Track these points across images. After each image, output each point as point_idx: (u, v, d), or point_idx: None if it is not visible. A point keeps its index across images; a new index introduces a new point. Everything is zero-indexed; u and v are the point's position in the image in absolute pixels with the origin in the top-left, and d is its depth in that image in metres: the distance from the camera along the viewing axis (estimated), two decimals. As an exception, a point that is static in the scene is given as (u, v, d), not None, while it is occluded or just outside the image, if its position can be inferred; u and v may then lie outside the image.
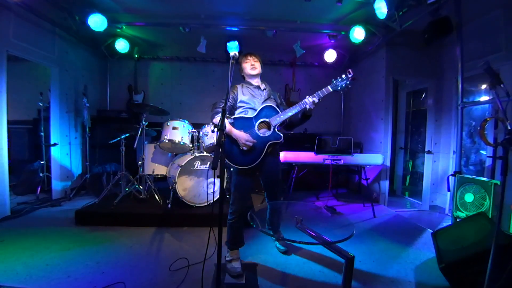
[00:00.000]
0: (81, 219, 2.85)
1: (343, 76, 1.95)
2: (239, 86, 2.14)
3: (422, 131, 4.19)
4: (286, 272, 2.02)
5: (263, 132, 2.00)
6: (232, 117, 2.00)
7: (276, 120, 1.98)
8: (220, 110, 1.94)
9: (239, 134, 1.90)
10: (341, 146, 3.78)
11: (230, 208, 2.03)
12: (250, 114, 2.04)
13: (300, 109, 1.97)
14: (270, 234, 2.31)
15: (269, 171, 2.11)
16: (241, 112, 2.05)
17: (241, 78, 2.26)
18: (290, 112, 1.97)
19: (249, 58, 2.16)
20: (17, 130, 4.31)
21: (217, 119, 1.91)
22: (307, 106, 1.93)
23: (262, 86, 2.19)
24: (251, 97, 2.09)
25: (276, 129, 1.99)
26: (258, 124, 1.99)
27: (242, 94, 2.09)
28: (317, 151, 3.40)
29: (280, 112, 2.01)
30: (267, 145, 1.97)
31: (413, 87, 4.46)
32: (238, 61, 2.14)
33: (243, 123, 1.98)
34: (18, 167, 3.90)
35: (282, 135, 2.00)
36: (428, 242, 2.47)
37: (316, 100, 1.91)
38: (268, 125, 2.01)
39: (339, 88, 1.96)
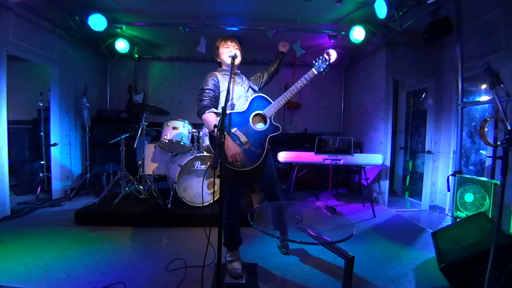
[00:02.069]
0: (81, 219, 2.85)
1: (321, 57, 2.02)
2: (217, 73, 1.96)
3: (422, 131, 4.19)
4: (286, 272, 2.02)
5: (259, 126, 1.88)
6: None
7: (271, 111, 1.87)
8: (207, 103, 1.80)
9: (231, 145, 1.71)
10: (341, 146, 3.78)
11: (224, 211, 1.92)
12: (238, 106, 1.90)
13: (291, 95, 1.93)
14: (272, 235, 2.09)
15: (265, 172, 1.99)
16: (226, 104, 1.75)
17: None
18: (283, 100, 1.90)
19: (229, 43, 1.98)
20: (17, 130, 4.30)
21: (209, 116, 1.75)
22: (296, 91, 1.94)
23: (242, 75, 2.09)
24: (235, 85, 1.94)
25: (272, 121, 1.89)
26: (252, 118, 1.86)
27: (224, 81, 1.92)
28: (317, 151, 3.40)
29: (272, 102, 1.91)
30: (267, 139, 1.86)
31: (413, 87, 4.46)
32: (215, 46, 2.06)
33: (237, 120, 1.82)
34: (18, 167, 3.91)
35: (279, 125, 1.90)
36: (428, 242, 2.47)
37: (305, 82, 1.96)
38: (263, 118, 1.89)
39: (321, 69, 2.00)
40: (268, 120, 1.87)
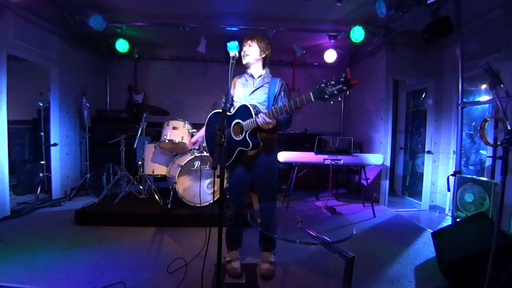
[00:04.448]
0: (81, 219, 2.85)
1: (337, 79, 1.37)
2: (237, 77, 1.99)
3: (422, 131, 4.19)
4: (286, 272, 2.02)
5: (236, 136, 1.78)
6: (218, 110, 1.84)
7: (248, 126, 1.71)
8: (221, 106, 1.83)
9: (197, 136, 2.10)
10: (341, 146, 3.78)
11: (228, 210, 1.97)
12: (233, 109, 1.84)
13: (270, 117, 1.62)
14: (272, 235, 1.98)
15: (259, 178, 1.91)
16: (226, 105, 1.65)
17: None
18: (260, 120, 1.63)
19: (244, 43, 1.94)
20: (17, 130, 4.31)
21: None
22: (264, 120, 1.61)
23: (258, 74, 1.93)
24: (240, 88, 1.91)
25: (247, 135, 1.72)
26: (233, 125, 1.79)
27: (234, 87, 1.96)
28: (317, 151, 3.40)
29: (253, 117, 1.68)
30: (236, 150, 1.76)
31: (413, 87, 4.46)
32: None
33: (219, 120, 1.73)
34: (18, 167, 3.90)
35: (251, 142, 1.70)
36: (428, 242, 2.47)
37: (293, 108, 1.58)
38: (241, 129, 1.76)
39: (326, 96, 1.38)
40: (244, 133, 1.74)
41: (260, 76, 1.94)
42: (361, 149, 4.54)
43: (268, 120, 1.62)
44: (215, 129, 1.39)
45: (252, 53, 1.92)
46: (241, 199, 1.98)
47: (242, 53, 1.91)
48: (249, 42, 1.94)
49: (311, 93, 1.46)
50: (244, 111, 1.76)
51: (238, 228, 2.03)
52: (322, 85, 1.41)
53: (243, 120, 1.74)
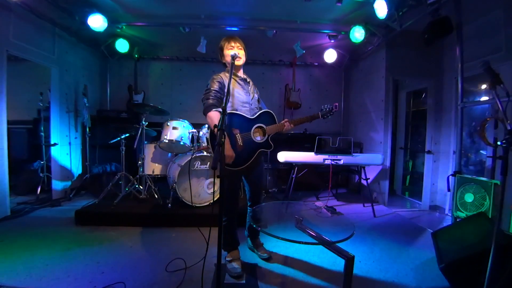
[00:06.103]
0: (81, 219, 2.85)
1: (330, 107, 2.12)
2: (222, 75, 1.97)
3: (422, 131, 4.19)
4: (286, 272, 2.02)
5: (257, 138, 1.96)
6: (235, 112, 1.89)
7: (272, 130, 1.97)
8: (213, 102, 1.84)
9: (227, 146, 1.73)
10: (341, 146, 3.77)
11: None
12: (245, 112, 1.94)
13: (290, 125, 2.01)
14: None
15: (255, 176, 2.07)
16: (229, 107, 1.87)
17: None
18: (284, 125, 2.00)
19: (232, 44, 1.96)
20: (17, 130, 4.30)
21: (213, 114, 1.79)
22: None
23: (247, 79, 2.07)
24: (238, 90, 1.96)
25: (269, 139, 1.98)
26: (255, 128, 1.95)
27: (219, 83, 1.94)
28: (317, 151, 3.40)
29: (276, 123, 2.01)
30: (258, 152, 1.94)
31: (413, 87, 4.46)
32: (219, 47, 2.02)
33: (241, 123, 1.90)
34: (18, 167, 3.90)
35: (273, 144, 1.99)
36: (428, 242, 2.46)
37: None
38: (263, 132, 1.98)
39: (325, 116, 2.14)
40: (266, 136, 1.97)
41: (249, 81, 2.07)
42: (361, 149, 4.54)
43: (292, 127, 2.00)
44: (219, 130, 1.42)
45: (243, 57, 1.99)
46: (237, 199, 2.05)
47: (235, 53, 1.90)
48: (237, 44, 1.98)
49: (320, 114, 2.12)
50: (268, 117, 2.01)
51: (233, 228, 2.05)
52: (324, 109, 2.13)
53: (266, 125, 1.97)
